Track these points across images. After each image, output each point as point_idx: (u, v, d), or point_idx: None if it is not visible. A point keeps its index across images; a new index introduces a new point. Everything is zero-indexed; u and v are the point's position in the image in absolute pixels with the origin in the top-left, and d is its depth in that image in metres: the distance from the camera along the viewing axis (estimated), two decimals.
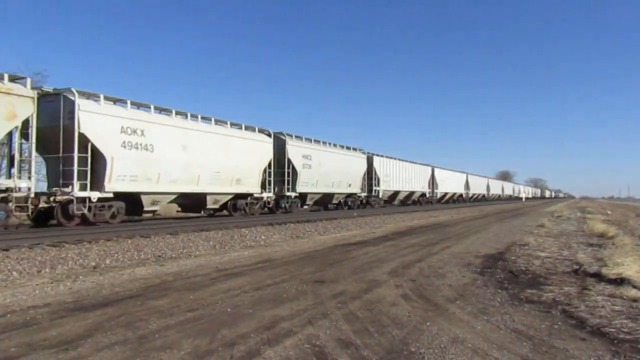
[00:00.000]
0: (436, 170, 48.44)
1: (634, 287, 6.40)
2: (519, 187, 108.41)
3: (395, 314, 5.15)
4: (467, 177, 61.47)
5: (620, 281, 6.80)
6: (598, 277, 7.34)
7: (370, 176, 33.86)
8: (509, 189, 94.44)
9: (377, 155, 35.10)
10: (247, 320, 4.81)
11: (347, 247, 11.29)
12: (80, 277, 7.16)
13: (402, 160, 39.75)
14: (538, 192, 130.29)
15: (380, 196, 35.31)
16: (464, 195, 59.99)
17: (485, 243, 12.54)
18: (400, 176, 38.63)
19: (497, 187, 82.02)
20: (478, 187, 67.71)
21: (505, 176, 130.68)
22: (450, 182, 53.41)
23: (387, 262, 8.79)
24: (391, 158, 37.64)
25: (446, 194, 52.60)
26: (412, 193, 42.29)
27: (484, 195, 71.62)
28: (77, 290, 6.17)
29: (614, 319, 5.05)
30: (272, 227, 16.00)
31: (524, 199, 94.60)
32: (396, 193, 38.77)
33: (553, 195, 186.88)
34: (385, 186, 35.56)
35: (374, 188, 34.31)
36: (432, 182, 47.26)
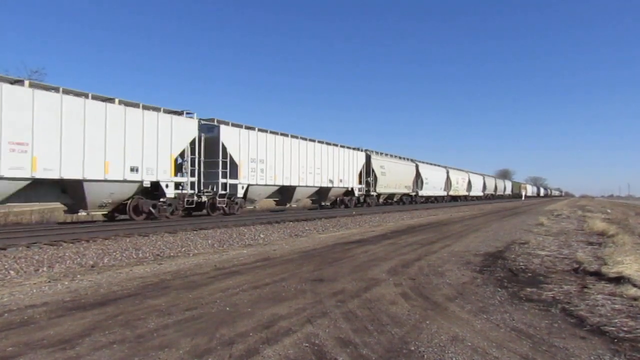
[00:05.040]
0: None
1: (634, 285, 6.39)
2: (509, 183, 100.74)
3: (395, 312, 5.13)
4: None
5: (620, 280, 6.78)
6: (598, 275, 7.34)
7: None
8: (497, 185, 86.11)
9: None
10: (246, 319, 4.79)
11: (346, 245, 11.26)
12: (78, 276, 7.13)
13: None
14: (507, 187, 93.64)
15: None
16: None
17: (484, 241, 12.53)
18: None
19: (491, 184, 77.35)
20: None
21: (505, 174, 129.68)
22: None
23: (386, 261, 8.77)
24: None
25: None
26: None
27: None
28: (74, 289, 6.14)
29: (614, 317, 5.04)
30: (271, 226, 15.97)
31: (523, 198, 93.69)
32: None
33: (542, 194, 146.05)
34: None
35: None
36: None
